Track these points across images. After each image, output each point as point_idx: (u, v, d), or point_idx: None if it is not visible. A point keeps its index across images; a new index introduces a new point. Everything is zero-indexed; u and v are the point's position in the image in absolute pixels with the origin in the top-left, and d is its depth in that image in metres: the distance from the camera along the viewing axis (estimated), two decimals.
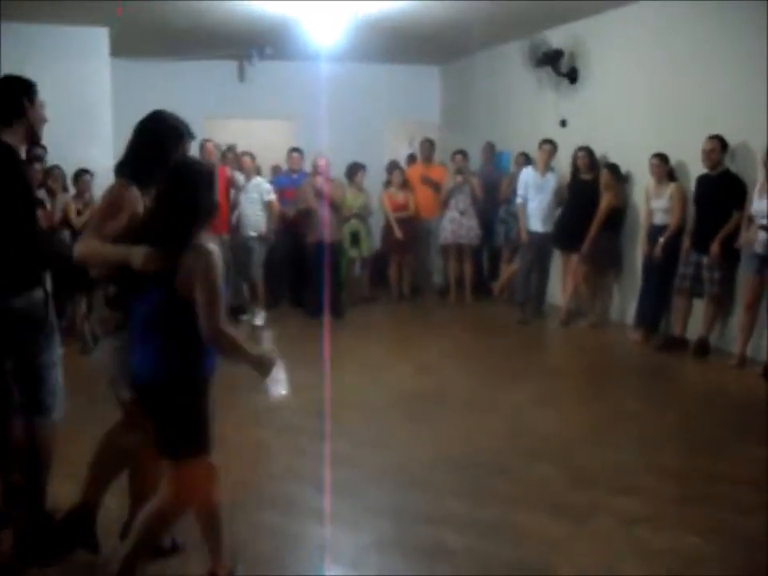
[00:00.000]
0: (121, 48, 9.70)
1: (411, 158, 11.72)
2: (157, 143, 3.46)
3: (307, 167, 9.80)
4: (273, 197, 8.97)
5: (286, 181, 9.93)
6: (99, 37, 9.19)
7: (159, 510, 3.10)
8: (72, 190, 8.42)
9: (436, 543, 3.71)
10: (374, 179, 10.74)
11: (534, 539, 3.79)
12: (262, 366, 3.11)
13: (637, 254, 8.32)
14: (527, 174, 9.17)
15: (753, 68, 6.95)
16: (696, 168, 7.42)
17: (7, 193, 3.36)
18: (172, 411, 3.03)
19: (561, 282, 9.32)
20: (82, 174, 8.21)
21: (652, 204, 7.89)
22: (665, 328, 7.94)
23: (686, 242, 7.47)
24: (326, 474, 4.55)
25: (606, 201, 8.41)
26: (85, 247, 3.27)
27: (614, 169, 8.46)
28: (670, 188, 7.69)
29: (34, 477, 3.59)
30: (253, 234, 8.90)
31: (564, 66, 9.52)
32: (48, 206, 7.88)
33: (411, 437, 5.25)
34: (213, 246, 2.98)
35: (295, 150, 10.12)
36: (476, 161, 10.93)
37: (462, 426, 5.45)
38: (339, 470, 4.63)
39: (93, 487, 3.53)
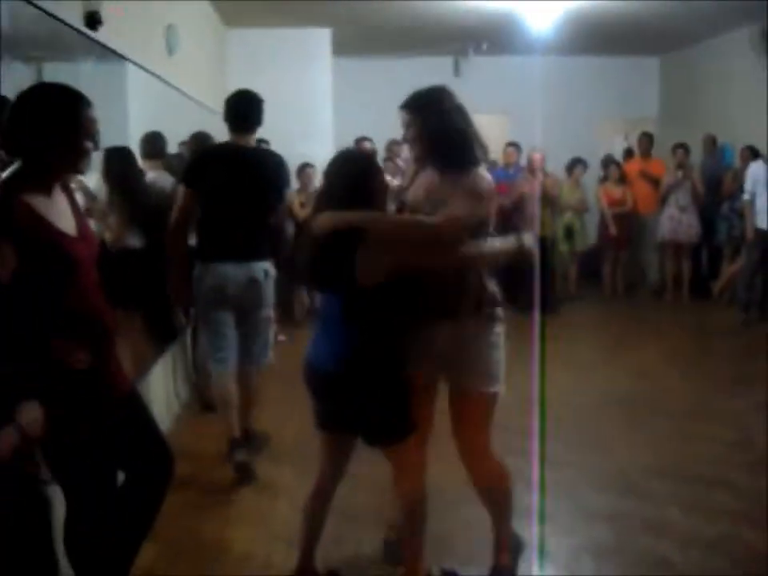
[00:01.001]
0: (342, 47, 10.02)
1: (628, 153, 11.40)
2: None
3: (522, 162, 9.75)
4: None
5: (503, 175, 9.90)
6: (322, 37, 9.54)
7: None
8: (296, 184, 8.79)
9: (654, 554, 3.61)
10: (588, 174, 10.54)
11: (762, 558, 3.60)
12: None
13: None
14: (756, 169, 8.66)
15: None
16: None
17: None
18: (381, 398, 2.99)
19: None
20: (305, 168, 8.55)
21: None
22: None
23: None
24: (535, 473, 4.53)
25: None
26: None
27: None
28: None
29: None
30: None
31: None
32: None
33: (627, 442, 5.11)
34: None
35: (511, 144, 10.08)
36: (697, 155, 10.47)
37: (681, 434, 5.25)
38: (551, 470, 4.57)
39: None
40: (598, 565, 3.55)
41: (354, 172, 2.96)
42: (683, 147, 9.94)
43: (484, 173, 3.03)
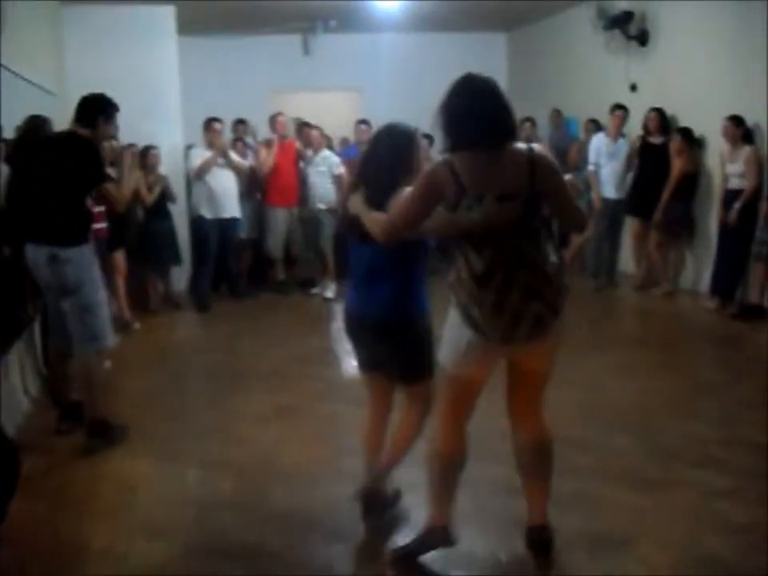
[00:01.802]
0: (187, 26, 9.76)
1: None
2: None
3: None
4: (342, 170, 8.96)
5: (355, 153, 9.90)
6: (166, 15, 9.25)
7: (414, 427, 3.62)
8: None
9: (514, 516, 3.67)
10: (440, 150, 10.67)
11: (612, 511, 3.76)
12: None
13: (711, 219, 8.14)
14: (599, 140, 9.01)
15: None
16: None
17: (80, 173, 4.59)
18: (411, 342, 3.46)
19: (633, 249, 9.15)
20: (148, 150, 8.28)
21: (727, 168, 7.69)
22: (741, 296, 7.76)
23: (764, 206, 7.27)
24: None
25: (678, 166, 8.22)
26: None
27: (686, 133, 8.26)
28: (745, 151, 7.48)
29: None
30: (322, 206, 8.90)
31: (634, 28, 9.29)
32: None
33: (489, 408, 5.19)
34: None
35: (362, 121, 10.08)
36: (544, 128, 10.78)
37: None
38: None
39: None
40: (460, 531, 3.59)
41: (400, 144, 3.46)
42: (530, 121, 10.20)
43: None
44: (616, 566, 3.30)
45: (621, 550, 3.41)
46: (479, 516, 3.76)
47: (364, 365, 3.71)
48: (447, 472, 3.38)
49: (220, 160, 8.44)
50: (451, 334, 3.16)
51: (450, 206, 3.00)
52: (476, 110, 3.09)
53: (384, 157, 3.41)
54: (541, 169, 3.00)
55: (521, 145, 3.05)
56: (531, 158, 3.00)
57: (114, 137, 5.51)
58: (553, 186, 3.05)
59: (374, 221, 3.22)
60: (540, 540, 3.41)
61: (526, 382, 3.40)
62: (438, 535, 3.39)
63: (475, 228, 2.97)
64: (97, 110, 4.71)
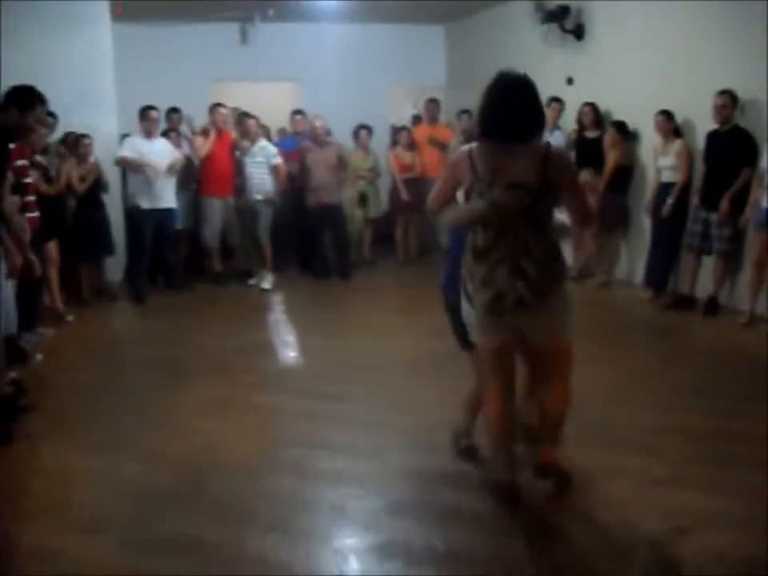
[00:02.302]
0: (124, 13, 9.58)
1: (416, 119, 11.61)
2: None
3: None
4: (279, 160, 8.91)
5: (291, 143, 9.85)
6: (100, 3, 9.06)
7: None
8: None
9: (452, 506, 3.73)
10: (379, 141, 10.67)
11: (550, 500, 3.81)
12: None
13: (645, 212, 8.28)
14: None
15: (763, 22, 6.86)
16: (703, 125, 7.35)
17: None
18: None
19: (569, 241, 9.27)
20: (81, 139, 8.09)
21: (659, 161, 7.84)
22: (674, 286, 7.93)
23: (695, 199, 7.43)
24: (339, 438, 4.59)
25: (612, 159, 8.35)
26: None
27: (620, 126, 8.39)
28: (676, 145, 7.64)
29: None
30: (259, 197, 8.85)
31: (570, 22, 9.41)
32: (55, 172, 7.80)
33: (428, 399, 5.24)
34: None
35: (298, 111, 10.04)
36: None
37: None
38: (353, 432, 4.66)
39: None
40: (397, 522, 3.63)
41: None
42: (467, 113, 10.23)
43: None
44: (551, 553, 3.35)
45: (557, 538, 3.47)
46: (416, 506, 3.78)
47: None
48: (497, 436, 3.71)
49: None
50: (464, 308, 3.63)
51: (465, 190, 3.49)
52: (496, 107, 3.46)
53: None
54: (553, 163, 3.36)
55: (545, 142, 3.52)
56: (547, 153, 3.37)
57: (32, 128, 5.31)
58: (563, 181, 3.42)
59: None
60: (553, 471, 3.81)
61: (533, 356, 3.78)
62: (503, 491, 3.72)
63: (485, 213, 3.37)
64: (12, 100, 4.73)
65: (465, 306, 3.62)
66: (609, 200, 8.39)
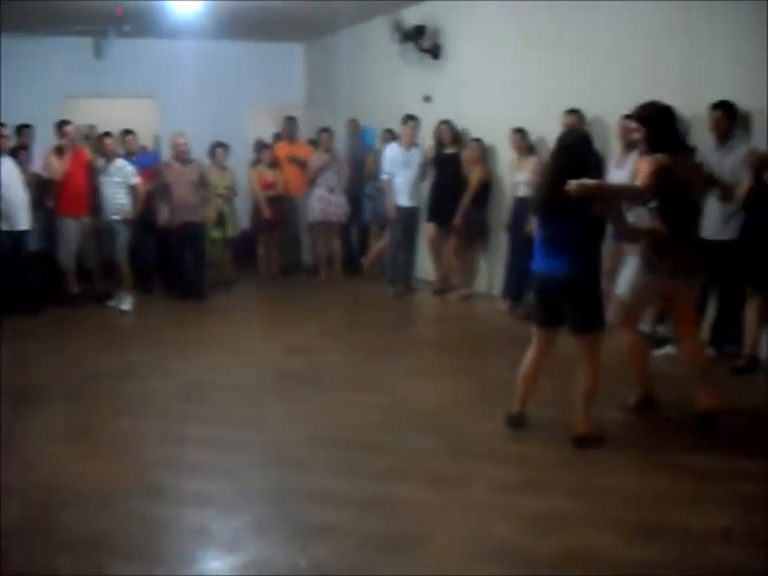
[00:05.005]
0: None
1: (277, 137, 11.60)
2: None
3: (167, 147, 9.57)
4: (137, 179, 8.70)
5: (152, 160, 9.66)
6: None
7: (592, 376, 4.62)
8: None
9: (314, 522, 3.73)
10: (239, 159, 10.59)
11: (411, 510, 3.86)
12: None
13: (502, 226, 8.52)
14: (393, 150, 9.24)
15: (608, 44, 7.22)
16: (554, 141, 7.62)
17: None
18: (588, 299, 4.55)
19: (430, 255, 9.45)
20: None
21: (515, 177, 8.09)
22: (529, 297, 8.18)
23: None
24: (199, 459, 4.52)
25: (476, 174, 8.56)
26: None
27: (481, 143, 8.63)
28: (531, 161, 7.90)
29: None
30: (116, 217, 8.63)
31: (426, 42, 9.61)
32: None
33: (287, 417, 5.23)
34: None
35: (128, 131, 9.62)
36: (342, 138, 10.95)
37: (338, 404, 5.47)
38: (214, 453, 4.60)
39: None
40: (259, 540, 3.60)
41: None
42: (327, 130, 10.33)
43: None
44: (412, 563, 3.39)
45: (417, 548, 3.50)
46: (279, 523, 3.75)
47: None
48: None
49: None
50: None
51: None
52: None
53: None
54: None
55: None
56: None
57: None
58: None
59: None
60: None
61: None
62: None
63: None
64: None
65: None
66: (470, 214, 8.59)
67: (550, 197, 4.55)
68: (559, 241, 4.56)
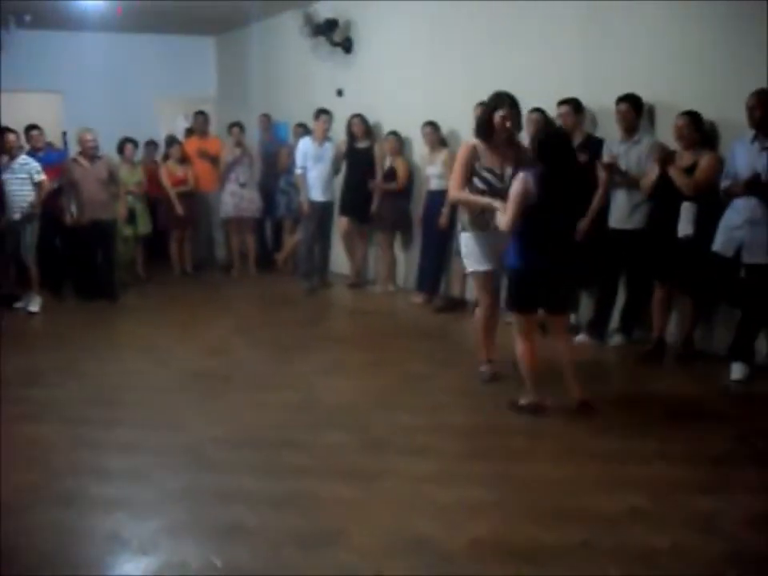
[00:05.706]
0: None
1: (189, 132, 11.45)
2: None
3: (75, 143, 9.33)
4: (43, 176, 8.46)
5: (59, 157, 9.40)
6: None
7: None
8: None
9: (229, 522, 3.69)
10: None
11: (326, 506, 3.85)
12: None
13: (416, 219, 8.57)
14: (305, 145, 9.19)
15: (517, 39, 7.33)
16: (466, 134, 7.69)
17: None
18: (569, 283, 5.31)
19: (345, 249, 9.45)
20: None
21: (427, 170, 8.15)
22: (444, 290, 8.26)
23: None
24: (111, 463, 4.43)
25: (402, 166, 8.62)
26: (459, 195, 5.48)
27: (398, 135, 8.66)
28: (443, 154, 7.97)
29: None
30: (19, 215, 8.36)
31: (338, 35, 9.60)
32: None
33: (200, 417, 5.16)
34: None
35: (33, 127, 9.42)
36: (254, 132, 10.86)
37: (252, 402, 5.42)
38: (126, 457, 4.51)
39: None
40: (174, 542, 3.55)
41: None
42: (238, 125, 10.24)
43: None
44: (329, 559, 3.38)
45: (334, 543, 3.49)
46: (192, 525, 3.71)
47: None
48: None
49: None
50: None
51: None
52: None
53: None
54: None
55: None
56: None
57: None
58: None
59: None
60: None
61: None
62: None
63: None
64: None
65: None
66: (396, 206, 8.64)
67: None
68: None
